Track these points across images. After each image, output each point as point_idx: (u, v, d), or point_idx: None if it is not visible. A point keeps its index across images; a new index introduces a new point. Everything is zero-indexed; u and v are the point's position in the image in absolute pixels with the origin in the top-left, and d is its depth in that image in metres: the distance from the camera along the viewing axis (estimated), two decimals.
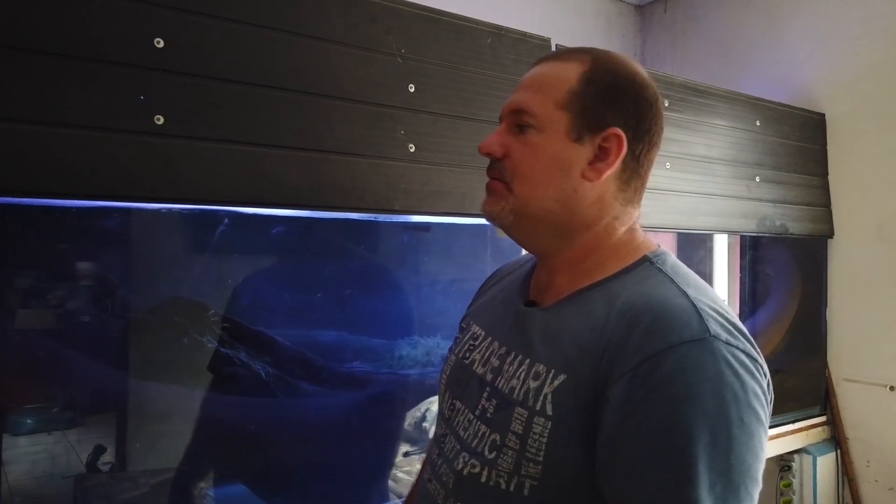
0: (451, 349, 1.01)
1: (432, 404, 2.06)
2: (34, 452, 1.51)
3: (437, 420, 0.96)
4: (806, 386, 2.45)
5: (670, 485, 0.65)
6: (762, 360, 0.72)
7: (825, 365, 2.45)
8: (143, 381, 1.56)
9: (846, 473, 2.38)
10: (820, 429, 2.40)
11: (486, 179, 0.88)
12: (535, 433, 0.74)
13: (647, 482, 0.66)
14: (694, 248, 2.55)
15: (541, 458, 0.73)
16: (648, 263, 0.81)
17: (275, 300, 1.71)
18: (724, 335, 0.69)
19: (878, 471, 2.31)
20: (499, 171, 0.84)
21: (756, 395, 0.68)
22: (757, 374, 0.70)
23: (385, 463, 1.82)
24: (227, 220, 1.54)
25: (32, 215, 1.40)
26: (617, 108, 0.81)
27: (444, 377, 0.97)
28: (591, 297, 0.79)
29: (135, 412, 1.57)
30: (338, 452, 1.74)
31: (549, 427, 0.73)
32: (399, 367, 1.85)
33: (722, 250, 2.59)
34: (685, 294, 0.74)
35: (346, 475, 1.75)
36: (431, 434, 2.02)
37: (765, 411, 0.69)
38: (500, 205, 0.84)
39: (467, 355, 0.92)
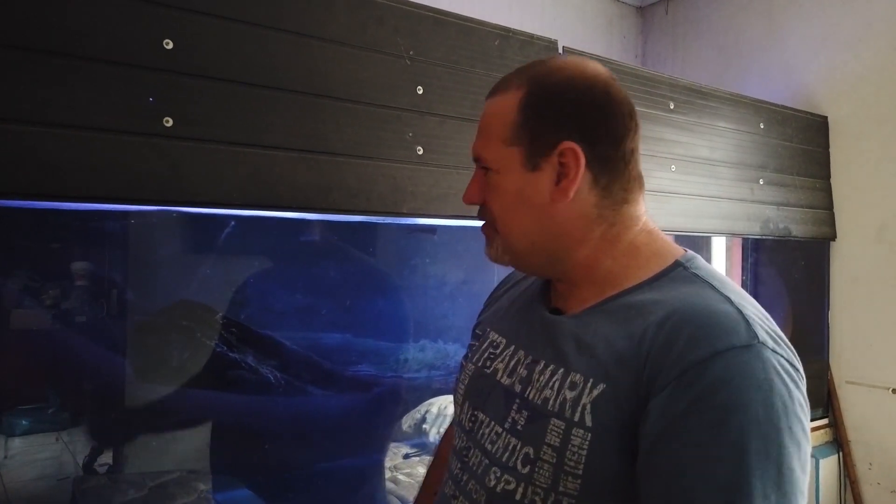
0: (465, 357, 0.98)
1: (432, 406, 2.05)
2: (29, 454, 1.51)
3: (457, 432, 0.92)
4: (808, 388, 2.42)
5: (722, 498, 0.62)
6: (802, 370, 0.70)
7: (827, 367, 2.45)
8: (152, 384, 1.56)
9: (848, 476, 2.38)
10: (822, 431, 2.40)
11: None
12: (573, 445, 0.71)
13: (694, 496, 0.63)
14: (696, 250, 2.55)
15: (580, 472, 0.70)
16: (682, 269, 0.78)
17: (282, 303, 1.71)
18: (770, 343, 0.68)
19: (880, 473, 2.32)
20: (483, 215, 0.87)
21: (801, 405, 0.67)
22: (800, 384, 0.68)
23: (382, 465, 1.81)
24: (233, 223, 1.53)
25: (34, 215, 1.40)
26: (562, 121, 0.79)
27: (462, 387, 0.93)
28: (625, 305, 0.77)
29: (144, 414, 1.56)
30: (342, 454, 1.74)
31: (588, 439, 0.70)
32: (404, 371, 1.85)
33: (720, 252, 2.59)
34: (728, 300, 0.71)
35: (346, 478, 1.74)
36: (431, 436, 2.02)
37: (808, 422, 0.68)
38: (493, 248, 0.86)
39: (488, 364, 0.89)
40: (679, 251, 0.82)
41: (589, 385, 0.73)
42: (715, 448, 0.63)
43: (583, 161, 0.78)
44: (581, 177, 0.78)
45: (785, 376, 0.66)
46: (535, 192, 0.80)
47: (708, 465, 0.63)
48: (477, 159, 0.86)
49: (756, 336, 0.67)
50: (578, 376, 0.74)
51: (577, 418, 0.72)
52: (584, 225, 0.81)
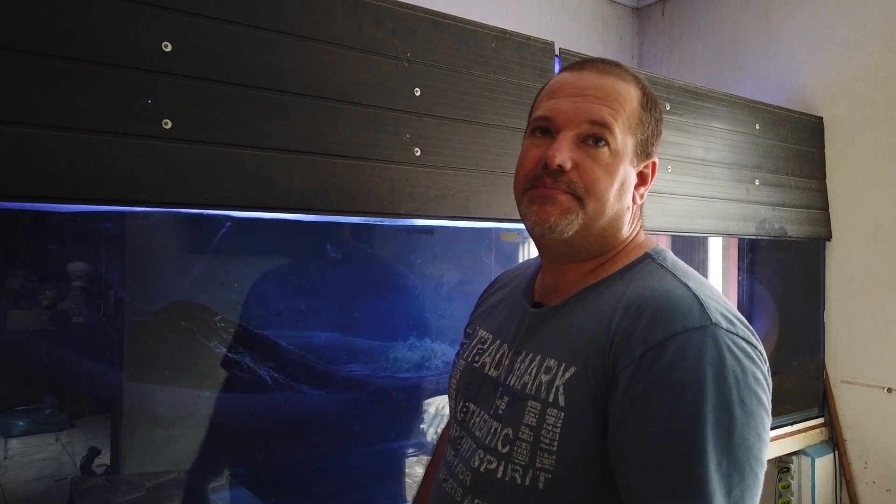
0: (458, 354, 1.04)
1: (429, 406, 2.06)
2: (26, 455, 1.51)
3: (451, 423, 0.99)
4: (804, 388, 2.46)
5: (678, 466, 0.68)
6: (761, 348, 0.76)
7: (823, 367, 2.46)
8: (150, 384, 1.56)
9: (844, 475, 2.39)
10: (818, 430, 2.41)
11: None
12: (548, 424, 0.77)
13: (656, 465, 0.69)
14: (692, 250, 2.56)
15: (554, 448, 0.76)
16: (650, 260, 0.86)
17: (279, 303, 1.71)
18: (724, 323, 0.73)
19: (875, 472, 2.33)
20: (566, 183, 0.82)
21: (756, 379, 0.72)
22: (757, 360, 0.73)
23: (394, 465, 1.82)
24: (228, 224, 1.53)
25: (32, 216, 1.40)
26: (658, 139, 0.89)
27: (454, 381, 1.00)
28: (599, 293, 0.84)
29: (136, 414, 1.56)
30: (349, 456, 1.74)
31: (561, 417, 0.76)
32: (395, 370, 1.85)
33: (716, 253, 2.59)
34: (686, 286, 0.78)
35: (354, 479, 1.75)
36: (429, 436, 2.03)
37: (766, 395, 0.73)
38: (567, 219, 0.82)
39: (476, 359, 0.95)
40: (651, 244, 0.89)
41: (562, 368, 0.79)
42: (672, 421, 0.69)
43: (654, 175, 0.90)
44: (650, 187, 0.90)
45: (739, 353, 0.72)
46: (629, 185, 0.86)
47: (666, 437, 0.69)
48: (601, 125, 0.82)
49: (709, 318, 0.73)
50: (553, 361, 0.81)
51: (551, 399, 0.78)
52: (631, 223, 0.89)
